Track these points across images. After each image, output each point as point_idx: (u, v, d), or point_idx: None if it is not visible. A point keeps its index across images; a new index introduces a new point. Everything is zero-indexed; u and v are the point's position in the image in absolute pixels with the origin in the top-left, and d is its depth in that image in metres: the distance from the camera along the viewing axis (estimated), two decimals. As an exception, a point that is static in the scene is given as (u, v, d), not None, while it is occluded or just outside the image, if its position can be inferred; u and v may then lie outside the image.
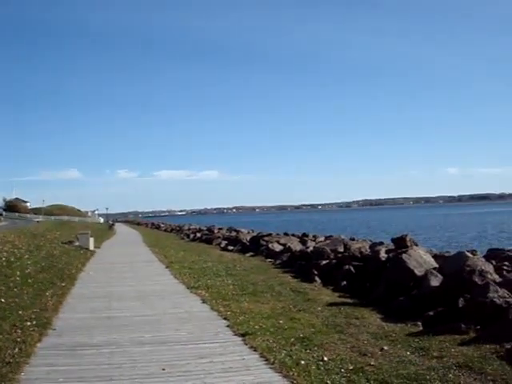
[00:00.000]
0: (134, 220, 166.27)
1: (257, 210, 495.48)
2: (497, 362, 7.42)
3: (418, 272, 12.89)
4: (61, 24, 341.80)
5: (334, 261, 17.91)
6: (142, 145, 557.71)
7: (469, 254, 12.94)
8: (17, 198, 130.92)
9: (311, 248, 22.06)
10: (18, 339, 9.16)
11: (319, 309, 11.92)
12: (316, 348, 8.45)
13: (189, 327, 10.25)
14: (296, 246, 25.18)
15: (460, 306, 10.01)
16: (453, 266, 12.23)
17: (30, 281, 15.83)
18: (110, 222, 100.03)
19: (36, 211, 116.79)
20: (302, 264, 19.00)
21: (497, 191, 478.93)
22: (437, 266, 13.41)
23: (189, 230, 61.49)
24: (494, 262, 13.85)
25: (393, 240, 17.80)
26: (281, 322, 10.42)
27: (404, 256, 13.59)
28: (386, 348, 8.46)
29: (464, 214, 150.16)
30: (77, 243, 32.71)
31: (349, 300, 13.12)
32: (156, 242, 40.27)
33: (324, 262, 17.97)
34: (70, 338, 9.52)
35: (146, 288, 15.80)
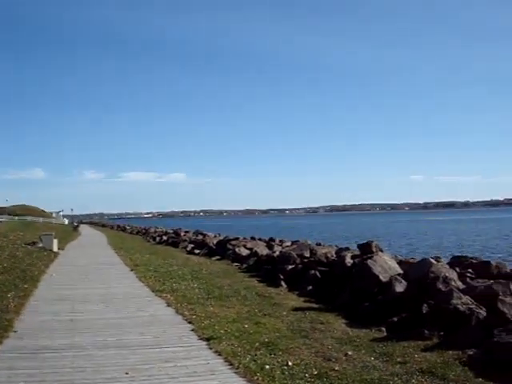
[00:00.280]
0: (99, 222, 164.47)
1: (224, 213, 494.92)
2: (459, 368, 7.52)
3: (383, 278, 12.99)
4: (22, 20, 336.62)
5: (300, 266, 17.95)
6: (110, 146, 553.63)
7: (433, 261, 13.08)
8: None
9: (277, 253, 22.09)
10: (-22, 342, 8.98)
11: (285, 313, 11.93)
12: (281, 353, 8.45)
13: (153, 331, 10.15)
14: (262, 250, 25.20)
15: (424, 312, 10.11)
16: (417, 272, 12.35)
17: (-9, 282, 15.54)
18: (75, 224, 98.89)
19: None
20: (268, 268, 19.01)
21: (462, 199, 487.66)
22: (401, 272, 13.54)
23: (155, 232, 61.15)
24: (457, 269, 14.01)
25: (358, 246, 17.93)
26: (246, 326, 10.40)
27: (369, 262, 13.70)
28: (350, 353, 8.50)
29: (429, 221, 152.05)
30: (40, 244, 32.18)
31: (314, 305, 13.17)
32: (121, 245, 39.85)
33: (290, 267, 18.01)
34: (31, 341, 9.34)
35: (111, 291, 15.63)
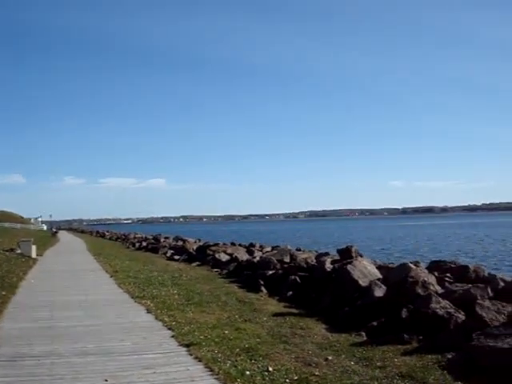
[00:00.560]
0: (78, 228, 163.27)
1: (204, 219, 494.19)
2: (438, 372, 7.57)
3: (363, 283, 13.05)
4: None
5: (280, 271, 17.97)
6: (90, 151, 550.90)
7: (412, 266, 13.16)
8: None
9: (258, 258, 22.10)
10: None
11: (265, 319, 11.93)
12: (261, 358, 8.44)
13: (133, 337, 10.09)
14: (243, 255, 25.19)
15: (403, 316, 10.16)
16: (396, 276, 12.43)
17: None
18: (54, 230, 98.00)
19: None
20: (248, 274, 19.00)
21: (440, 204, 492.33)
22: (381, 276, 13.62)
23: (134, 238, 60.83)
24: (436, 273, 14.11)
25: (338, 251, 18.01)
26: (226, 332, 10.38)
27: (349, 267, 13.75)
28: (330, 358, 8.52)
29: (408, 226, 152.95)
30: (18, 251, 31.93)
31: (294, 310, 13.17)
32: (101, 251, 39.60)
33: (270, 272, 18.01)
34: (9, 348, 9.23)
35: (90, 297, 15.50)
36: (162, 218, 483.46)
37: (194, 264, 27.11)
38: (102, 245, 54.32)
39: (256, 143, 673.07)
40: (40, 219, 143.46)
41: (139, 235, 67.60)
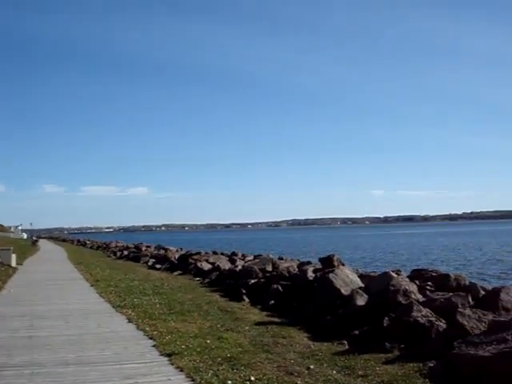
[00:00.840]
0: (59, 236, 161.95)
1: (186, 228, 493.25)
2: (420, 380, 7.60)
3: (345, 291, 13.07)
4: None
5: (262, 280, 17.94)
6: (71, 159, 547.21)
7: (393, 274, 13.22)
8: None
9: (240, 267, 22.03)
10: None
11: (247, 328, 11.90)
12: (243, 368, 8.41)
13: (114, 347, 10.00)
14: (225, 264, 25.11)
15: (385, 325, 10.19)
16: (378, 285, 12.47)
17: None
18: (34, 238, 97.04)
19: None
20: (230, 283, 18.95)
21: (421, 213, 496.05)
22: (363, 285, 13.65)
23: (116, 247, 60.46)
24: (417, 281, 14.17)
25: (320, 260, 18.00)
26: (208, 341, 10.33)
27: (331, 275, 13.77)
28: (312, 367, 8.50)
29: (389, 234, 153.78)
30: (-2, 259, 31.60)
31: (276, 319, 13.15)
32: (81, 260, 39.32)
33: (252, 281, 17.98)
34: (-12, 359, 9.14)
35: (71, 307, 15.37)
36: (143, 226, 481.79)
37: (176, 273, 27.00)
38: (83, 254, 53.97)
39: (238, 153, 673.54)
40: (20, 228, 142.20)
41: (120, 244, 67.18)
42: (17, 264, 32.12)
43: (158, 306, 15.17)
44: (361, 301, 12.03)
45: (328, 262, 16.61)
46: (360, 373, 8.14)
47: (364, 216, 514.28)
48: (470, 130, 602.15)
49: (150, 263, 34.68)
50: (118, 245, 65.18)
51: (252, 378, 7.78)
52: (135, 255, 42.41)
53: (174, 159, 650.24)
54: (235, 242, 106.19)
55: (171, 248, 45.80)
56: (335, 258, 16.84)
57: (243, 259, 30.22)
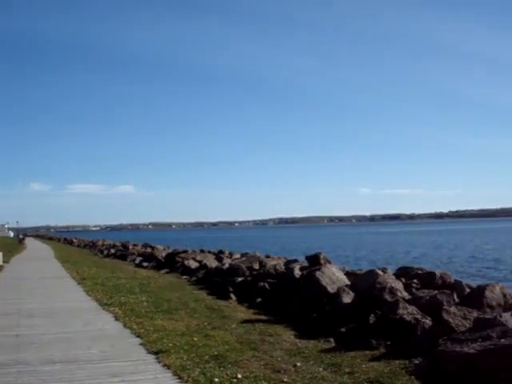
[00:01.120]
0: (45, 234, 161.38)
1: (173, 226, 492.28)
2: (406, 377, 7.65)
3: (331, 289, 13.13)
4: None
5: (249, 278, 17.98)
6: (57, 157, 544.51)
7: (379, 272, 13.28)
8: None
9: (227, 265, 22.06)
10: None
11: (234, 326, 11.92)
12: (230, 365, 8.43)
13: (101, 345, 9.99)
14: (212, 262, 25.11)
15: (371, 322, 10.25)
16: (364, 283, 12.52)
17: None
18: (21, 236, 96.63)
19: None
20: (217, 281, 18.97)
21: (407, 211, 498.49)
22: (349, 283, 13.71)
23: (103, 245, 60.32)
24: (403, 279, 14.24)
25: (307, 258, 18.05)
26: (195, 339, 10.34)
27: (317, 273, 13.83)
28: (299, 364, 8.54)
29: (376, 232, 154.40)
30: (-17, 258, 31.44)
31: (263, 317, 13.19)
32: (68, 258, 39.18)
33: (239, 279, 18.02)
34: (-27, 358, 9.09)
35: (57, 305, 15.33)
36: (130, 224, 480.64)
37: (163, 271, 27.00)
38: (70, 252, 53.77)
39: (226, 152, 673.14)
40: (6, 226, 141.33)
41: (107, 242, 67.03)
42: (3, 262, 32.00)
43: (145, 304, 15.16)
44: (347, 298, 12.09)
45: (315, 260, 16.67)
46: (346, 370, 8.18)
47: (351, 214, 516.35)
48: (455, 129, 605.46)
49: (137, 261, 34.65)
50: (105, 243, 65.03)
51: (239, 376, 7.80)
52: (122, 253, 42.36)
53: (160, 157, 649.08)
54: (222, 240, 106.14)
55: (158, 246, 45.74)
56: (322, 256, 16.90)
57: (230, 257, 30.21)
